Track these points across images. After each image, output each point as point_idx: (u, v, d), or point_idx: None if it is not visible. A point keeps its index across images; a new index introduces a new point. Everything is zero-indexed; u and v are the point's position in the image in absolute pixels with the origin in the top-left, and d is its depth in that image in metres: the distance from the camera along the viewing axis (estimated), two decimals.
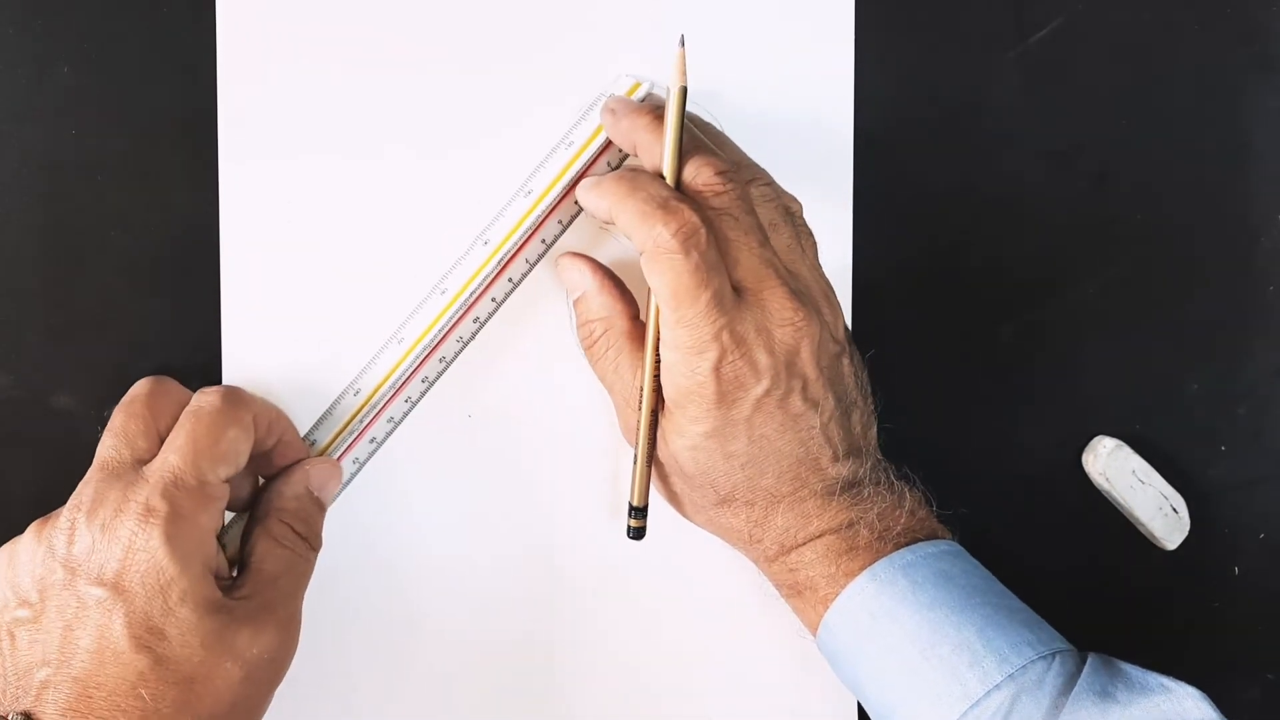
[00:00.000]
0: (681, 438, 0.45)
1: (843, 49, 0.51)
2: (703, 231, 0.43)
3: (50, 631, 0.40)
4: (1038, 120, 0.52)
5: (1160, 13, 0.53)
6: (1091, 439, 0.53)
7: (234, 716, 0.41)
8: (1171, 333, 0.54)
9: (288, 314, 0.48)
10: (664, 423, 0.46)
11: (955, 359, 0.53)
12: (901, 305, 0.52)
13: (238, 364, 0.48)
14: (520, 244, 0.47)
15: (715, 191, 0.44)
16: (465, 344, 0.48)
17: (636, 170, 0.45)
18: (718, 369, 0.43)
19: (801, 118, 0.50)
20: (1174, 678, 0.43)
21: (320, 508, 0.46)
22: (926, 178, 0.52)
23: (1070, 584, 0.53)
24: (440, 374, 0.48)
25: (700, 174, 0.44)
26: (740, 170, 0.45)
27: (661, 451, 0.46)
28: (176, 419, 0.43)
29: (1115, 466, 0.52)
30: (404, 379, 0.47)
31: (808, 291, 0.45)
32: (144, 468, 0.42)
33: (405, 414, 0.48)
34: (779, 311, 0.44)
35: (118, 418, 0.44)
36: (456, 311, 0.47)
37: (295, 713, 0.48)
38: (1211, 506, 0.54)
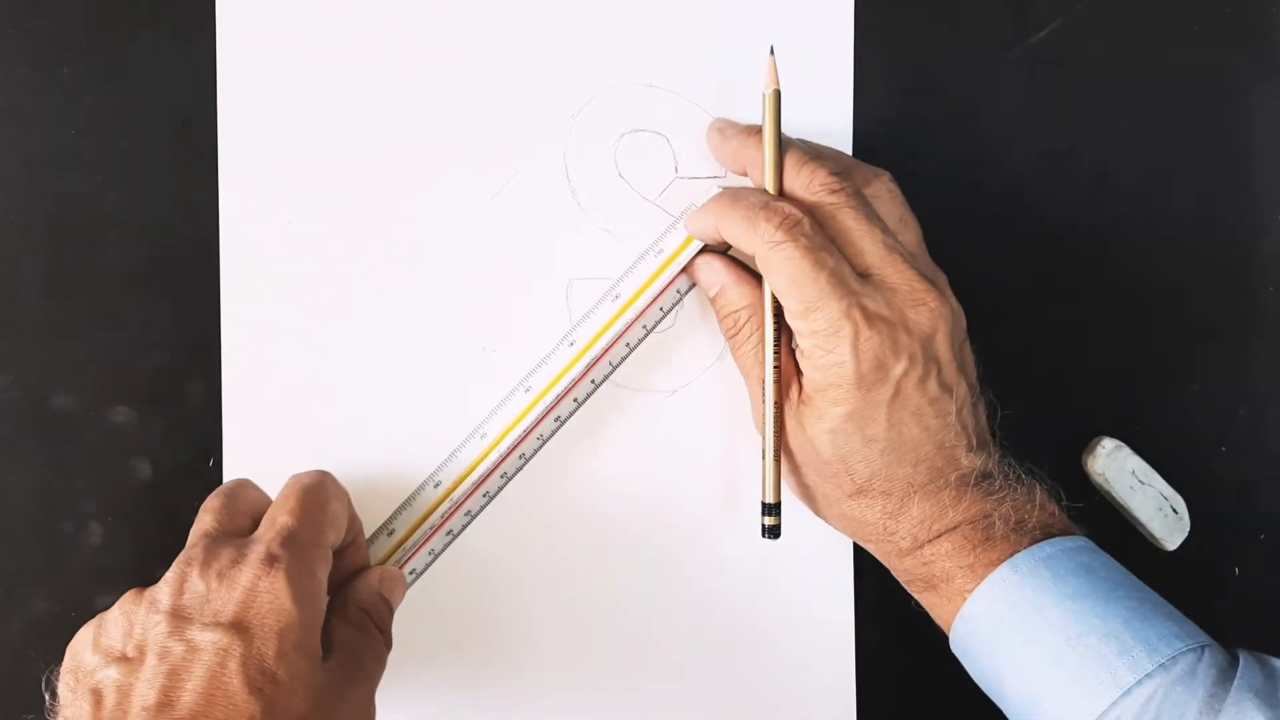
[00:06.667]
0: (820, 421, 0.45)
1: (842, 50, 0.51)
2: (806, 221, 0.44)
3: (150, 681, 0.39)
4: (1038, 121, 0.52)
5: (1160, 13, 0.53)
6: (1091, 439, 0.53)
7: None
8: (1171, 333, 0.54)
9: (287, 313, 0.48)
10: (803, 410, 0.46)
11: None
12: None
13: (238, 364, 0.48)
14: (606, 348, 0.47)
15: (830, 189, 0.45)
16: (545, 441, 0.48)
17: (736, 187, 0.47)
18: (855, 346, 0.44)
19: (801, 120, 0.50)
20: None
21: (389, 608, 0.46)
22: (927, 179, 0.52)
23: None
24: (519, 469, 0.48)
25: (815, 177, 0.45)
26: (854, 171, 0.46)
27: (797, 440, 0.46)
28: (259, 515, 0.44)
29: (1115, 467, 0.52)
30: (485, 475, 0.47)
31: (935, 277, 0.46)
32: (252, 536, 0.42)
33: (482, 508, 0.48)
34: (910, 293, 0.45)
35: (214, 501, 0.44)
36: (541, 411, 0.47)
37: None
38: (1212, 507, 0.54)
